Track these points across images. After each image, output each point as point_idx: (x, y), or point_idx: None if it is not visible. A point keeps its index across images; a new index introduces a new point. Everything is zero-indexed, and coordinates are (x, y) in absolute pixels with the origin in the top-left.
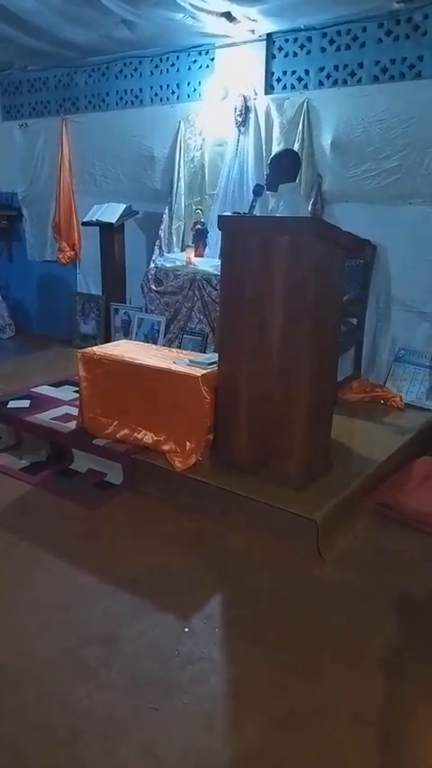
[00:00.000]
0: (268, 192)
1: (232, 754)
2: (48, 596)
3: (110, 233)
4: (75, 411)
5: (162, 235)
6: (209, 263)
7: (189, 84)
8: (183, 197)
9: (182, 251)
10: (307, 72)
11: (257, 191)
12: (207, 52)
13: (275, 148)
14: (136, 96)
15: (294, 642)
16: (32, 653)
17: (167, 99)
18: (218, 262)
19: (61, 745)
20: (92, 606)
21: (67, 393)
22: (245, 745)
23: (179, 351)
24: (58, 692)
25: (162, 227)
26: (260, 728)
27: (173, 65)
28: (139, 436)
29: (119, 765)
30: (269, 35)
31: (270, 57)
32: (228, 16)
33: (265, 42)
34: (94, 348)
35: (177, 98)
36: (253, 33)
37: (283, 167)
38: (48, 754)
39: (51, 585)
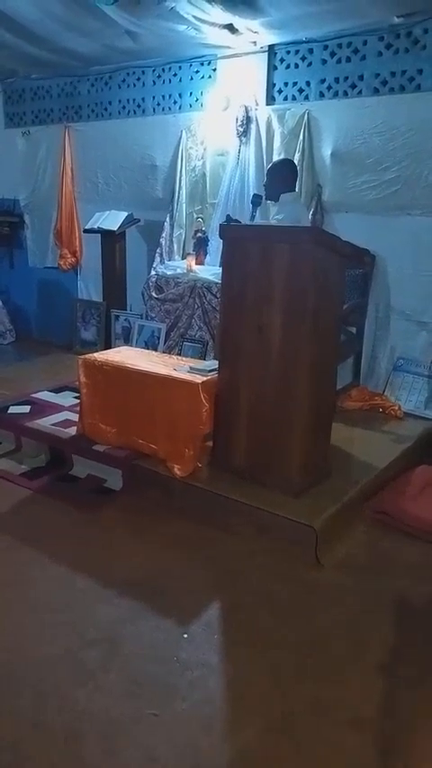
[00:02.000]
0: (269, 202)
1: (231, 757)
2: (47, 599)
3: (111, 240)
4: (75, 417)
5: (163, 242)
6: (209, 270)
7: (191, 94)
8: (184, 205)
9: (183, 259)
10: (308, 83)
11: (256, 201)
12: (209, 63)
13: (276, 159)
14: (138, 106)
15: (292, 647)
16: (31, 655)
17: (169, 109)
18: (218, 270)
19: (60, 747)
20: (91, 609)
21: (67, 399)
22: (243, 748)
23: (179, 358)
24: (57, 694)
25: (163, 234)
26: (258, 732)
27: (175, 75)
28: (139, 442)
29: (118, 767)
30: (271, 47)
31: (272, 68)
32: (230, 28)
33: (266, 54)
34: (95, 354)
35: (179, 108)
36: (255, 45)
37: (282, 177)
38: (47, 756)
39: (51, 589)
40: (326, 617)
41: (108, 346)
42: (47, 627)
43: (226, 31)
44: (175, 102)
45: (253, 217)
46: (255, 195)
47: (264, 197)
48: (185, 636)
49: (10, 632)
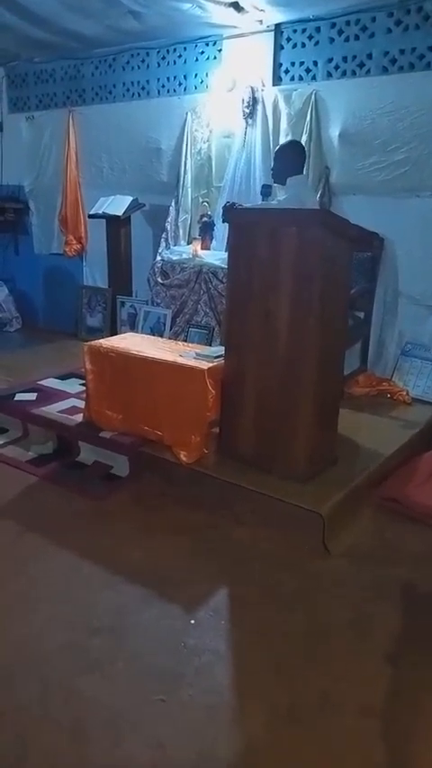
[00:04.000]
0: (276, 186)
1: (238, 745)
2: (53, 587)
3: (116, 226)
4: (81, 404)
5: (168, 227)
6: (215, 255)
7: (196, 75)
8: (189, 189)
9: (188, 244)
10: (315, 63)
11: (265, 191)
12: (214, 43)
13: (283, 140)
14: (143, 88)
15: (300, 635)
16: (37, 643)
17: (174, 91)
18: (224, 254)
19: (67, 736)
20: (97, 597)
21: (73, 386)
22: (250, 736)
23: (185, 344)
24: (64, 683)
25: (169, 219)
26: (265, 720)
27: (180, 56)
28: (145, 429)
29: (125, 755)
30: (277, 26)
31: (278, 47)
32: (235, 6)
33: (273, 33)
34: (101, 341)
35: (184, 90)
36: (261, 24)
37: (290, 159)
38: (54, 746)
39: (57, 576)
40: (332, 604)
41: (114, 333)
42: (52, 616)
43: (231, 9)
44: (180, 84)
45: None
46: (264, 186)
47: (272, 185)
48: (192, 622)
49: (15, 621)
